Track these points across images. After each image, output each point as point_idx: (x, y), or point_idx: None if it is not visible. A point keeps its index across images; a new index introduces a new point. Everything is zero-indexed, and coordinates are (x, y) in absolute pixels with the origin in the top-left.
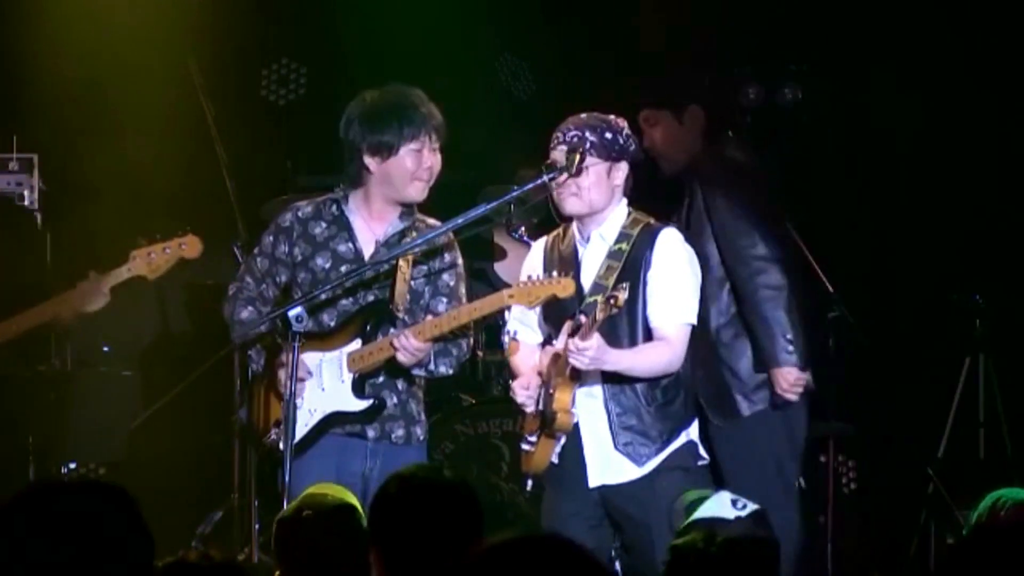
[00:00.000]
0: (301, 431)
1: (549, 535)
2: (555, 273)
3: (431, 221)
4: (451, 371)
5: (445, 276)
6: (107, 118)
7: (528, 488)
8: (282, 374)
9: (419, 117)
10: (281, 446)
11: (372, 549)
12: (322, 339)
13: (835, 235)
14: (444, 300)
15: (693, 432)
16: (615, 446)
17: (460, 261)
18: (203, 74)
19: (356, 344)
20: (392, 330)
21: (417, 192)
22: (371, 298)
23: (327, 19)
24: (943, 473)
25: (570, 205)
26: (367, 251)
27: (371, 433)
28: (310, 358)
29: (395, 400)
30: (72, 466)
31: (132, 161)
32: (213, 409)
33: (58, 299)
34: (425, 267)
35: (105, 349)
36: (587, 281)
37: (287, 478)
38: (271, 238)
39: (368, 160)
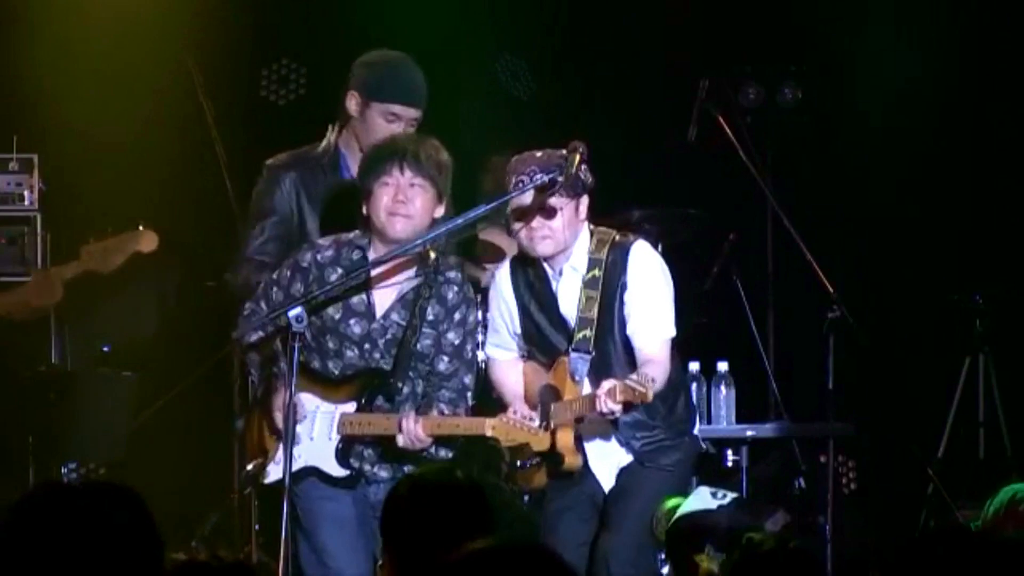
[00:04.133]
0: (279, 472)
1: (527, 544)
2: (533, 416)
3: (451, 274)
4: (451, 454)
5: (451, 335)
6: (107, 118)
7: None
8: (278, 415)
9: (380, 153)
10: (262, 478)
11: (383, 549)
12: (324, 386)
13: (835, 235)
14: (445, 359)
15: (695, 427)
16: (634, 458)
17: (472, 318)
18: (203, 74)
19: (350, 406)
20: (380, 402)
21: (399, 229)
22: (377, 355)
23: (327, 19)
24: (943, 473)
25: (543, 248)
26: (380, 305)
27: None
28: (308, 401)
29: (385, 472)
30: (72, 466)
31: (132, 161)
32: (213, 409)
33: (10, 293)
34: (435, 322)
35: (105, 349)
36: (570, 315)
37: (287, 479)
38: (288, 273)
39: (364, 205)
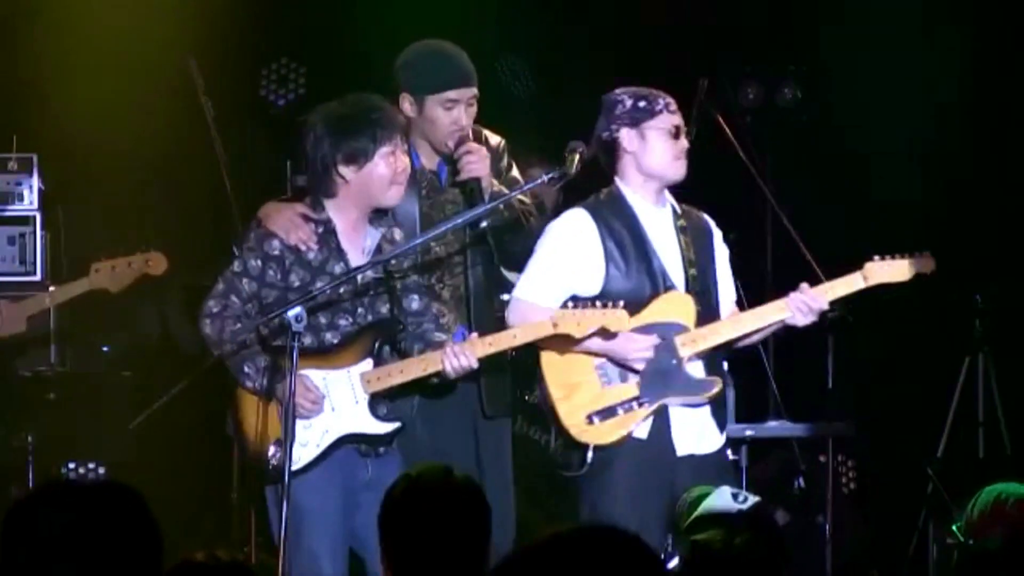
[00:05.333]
0: (312, 452)
1: (609, 528)
2: (609, 305)
3: (392, 223)
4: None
5: (413, 273)
6: (107, 118)
7: (588, 462)
8: (281, 391)
9: (387, 120)
10: (292, 467)
11: (381, 550)
12: (324, 356)
13: (835, 235)
14: (416, 298)
15: None
16: (711, 413)
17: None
18: (203, 74)
19: (367, 364)
20: (387, 353)
21: (395, 197)
22: (370, 316)
23: (327, 19)
24: (942, 473)
25: (682, 170)
26: (354, 266)
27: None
28: (312, 376)
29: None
30: (71, 466)
31: (131, 161)
32: (212, 409)
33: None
34: (394, 267)
35: (105, 349)
36: (669, 254)
37: (288, 475)
38: (258, 262)
39: (343, 170)
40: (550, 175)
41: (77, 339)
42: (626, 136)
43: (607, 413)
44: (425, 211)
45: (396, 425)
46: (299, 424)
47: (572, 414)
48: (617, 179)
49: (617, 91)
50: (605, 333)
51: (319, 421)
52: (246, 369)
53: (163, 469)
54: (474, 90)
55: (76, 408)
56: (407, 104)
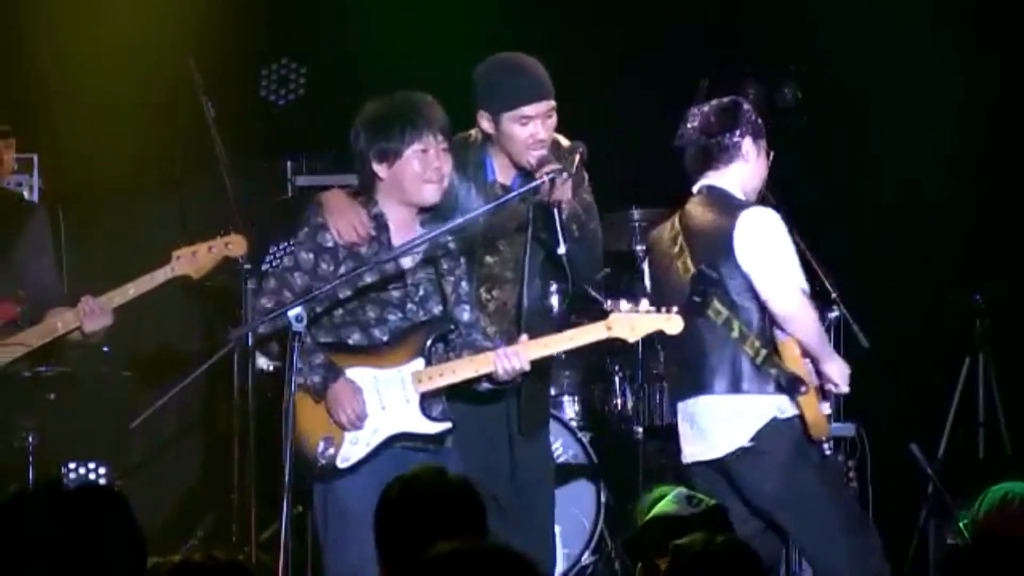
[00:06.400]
0: (362, 451)
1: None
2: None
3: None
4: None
5: (464, 283)
6: (106, 118)
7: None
8: (337, 401)
9: (421, 119)
10: (339, 463)
11: (377, 552)
12: (375, 354)
13: (835, 235)
14: (467, 308)
15: None
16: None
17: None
18: (203, 74)
19: (418, 363)
20: (439, 351)
21: (430, 194)
22: (421, 314)
23: (327, 19)
24: (943, 473)
25: None
26: (407, 266)
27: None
28: (361, 374)
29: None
30: (72, 466)
31: (131, 161)
32: (212, 409)
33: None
34: (449, 270)
35: (105, 349)
36: None
37: (288, 475)
38: (310, 256)
39: (377, 167)
40: (551, 176)
41: (77, 339)
42: (748, 145)
43: None
44: (486, 226)
45: (447, 425)
46: None
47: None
48: (730, 184)
49: (739, 98)
50: (661, 336)
51: (370, 419)
52: (299, 365)
53: (163, 469)
54: (550, 102)
55: (76, 408)
56: (484, 121)
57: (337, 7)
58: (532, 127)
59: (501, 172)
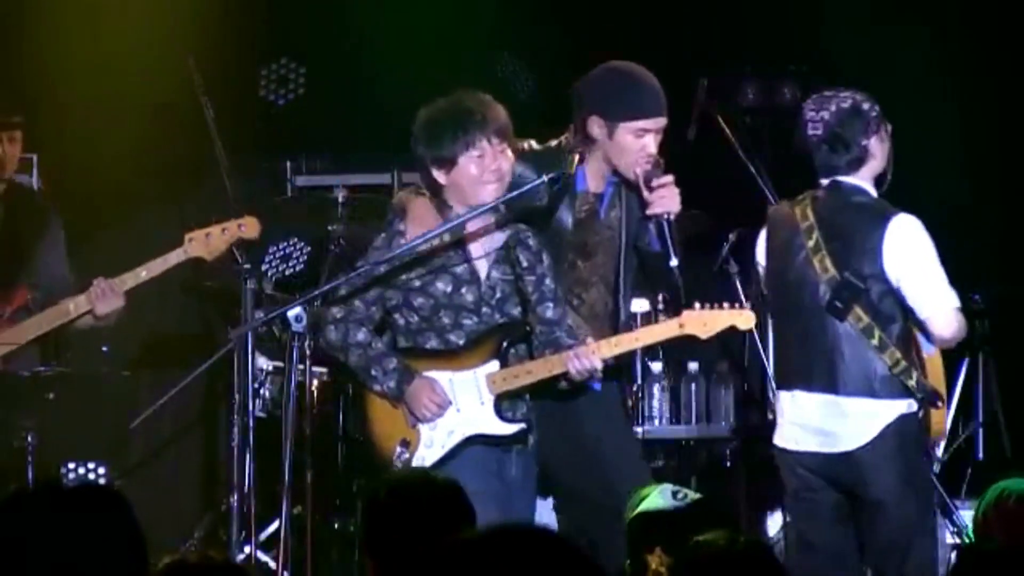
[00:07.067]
0: (437, 453)
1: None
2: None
3: (521, 224)
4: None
5: (548, 280)
6: (105, 118)
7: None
8: (417, 402)
9: (473, 124)
10: (416, 464)
11: (367, 556)
12: (450, 357)
13: None
14: (551, 306)
15: None
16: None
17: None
18: (202, 74)
19: (493, 365)
20: (514, 352)
21: (490, 195)
22: (497, 316)
23: (326, 19)
24: (943, 473)
25: None
26: (482, 269)
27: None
28: (437, 377)
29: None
30: (71, 466)
31: (130, 161)
32: (212, 409)
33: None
34: (529, 268)
35: (104, 349)
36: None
37: (287, 475)
38: (383, 264)
39: (435, 173)
40: (550, 176)
41: (77, 339)
42: (875, 144)
43: None
44: (579, 232)
45: (522, 426)
46: (425, 425)
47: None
48: (862, 180)
49: (859, 95)
50: (735, 332)
51: (444, 421)
52: (373, 372)
53: (162, 469)
54: (666, 119)
55: (76, 408)
56: (596, 127)
57: (336, 7)
58: (646, 140)
59: (593, 181)
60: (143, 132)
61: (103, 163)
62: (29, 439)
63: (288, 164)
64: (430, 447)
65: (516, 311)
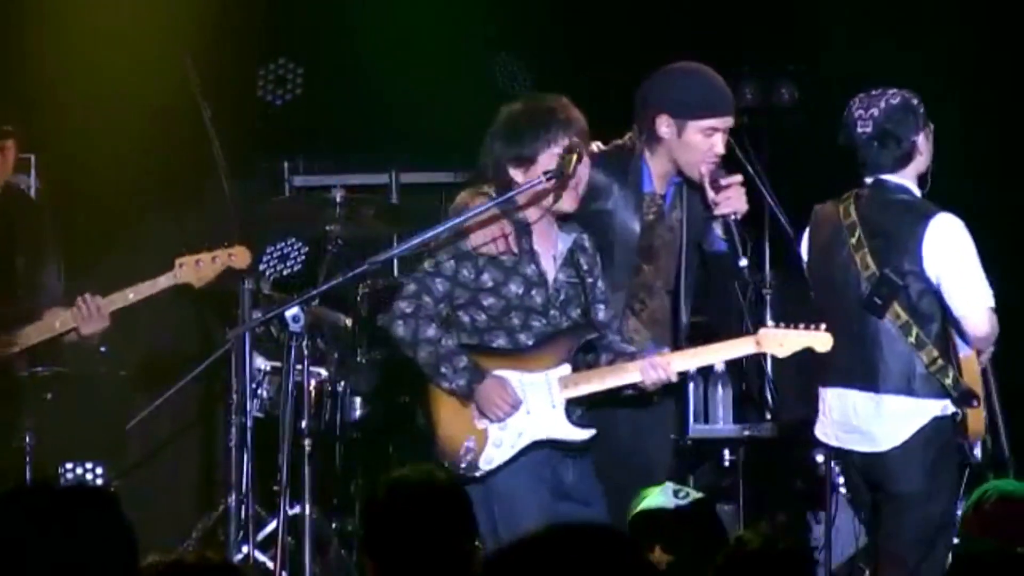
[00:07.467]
0: (506, 453)
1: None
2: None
3: (582, 230)
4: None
5: (600, 283)
6: (104, 119)
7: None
8: (488, 400)
9: (556, 123)
10: (481, 465)
11: (366, 556)
12: (520, 358)
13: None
14: (602, 308)
15: None
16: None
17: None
18: (200, 74)
19: (564, 368)
20: (581, 358)
21: (569, 202)
22: (563, 320)
23: (324, 19)
24: None
25: None
26: (549, 271)
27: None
28: (508, 377)
29: None
30: (68, 466)
31: (129, 161)
32: (210, 409)
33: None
34: (588, 271)
35: (102, 349)
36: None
37: (285, 475)
38: (452, 262)
39: (513, 172)
40: (548, 175)
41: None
42: (922, 140)
43: None
44: (647, 235)
45: (592, 432)
46: (494, 424)
47: None
48: (907, 179)
49: (907, 91)
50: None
51: (514, 422)
52: (443, 369)
53: (160, 469)
54: (733, 119)
55: (74, 408)
56: (664, 126)
57: (334, 7)
58: (715, 140)
59: (657, 182)
60: (142, 132)
61: (101, 162)
62: (27, 439)
63: (286, 164)
64: (499, 447)
65: (577, 314)
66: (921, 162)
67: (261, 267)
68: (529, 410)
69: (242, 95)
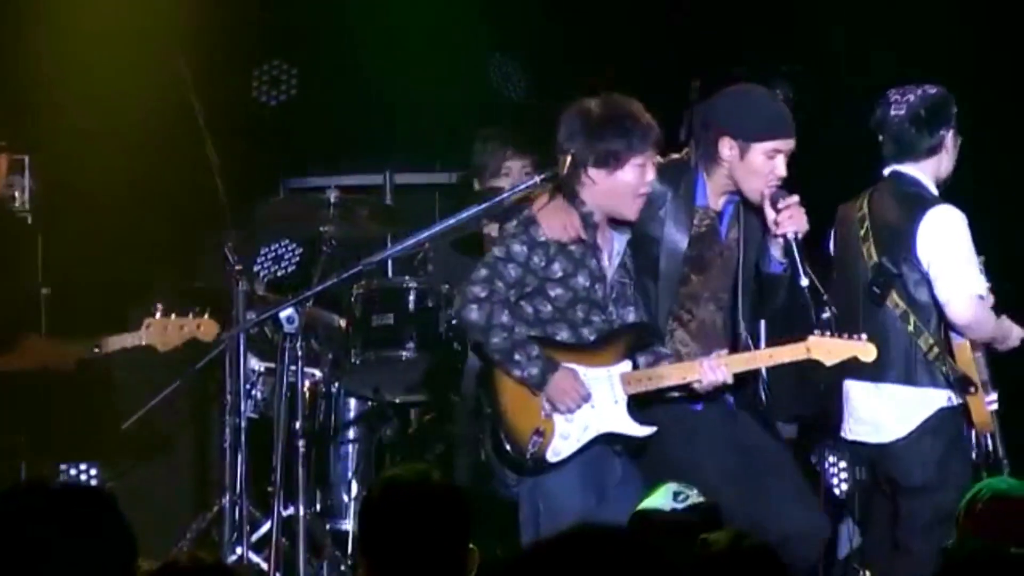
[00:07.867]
0: (573, 446)
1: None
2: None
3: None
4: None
5: (631, 287)
6: (98, 119)
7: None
8: (563, 385)
9: (641, 127)
10: (549, 456)
11: (360, 556)
12: (583, 352)
13: (829, 235)
14: (631, 310)
15: None
16: None
17: None
18: (194, 75)
19: (626, 365)
20: (642, 356)
21: (635, 210)
22: (616, 316)
23: (318, 20)
24: None
25: None
26: (608, 269)
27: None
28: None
29: None
30: (64, 467)
31: (123, 162)
32: (204, 410)
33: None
34: (630, 275)
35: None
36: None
37: (279, 476)
38: (524, 248)
39: (593, 171)
40: (543, 176)
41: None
42: (949, 138)
43: None
44: (695, 245)
45: (654, 428)
46: (561, 416)
47: None
48: (923, 173)
49: (944, 89)
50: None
51: (580, 416)
52: (516, 357)
53: (156, 469)
54: (794, 141)
55: (69, 409)
56: (726, 148)
57: (328, 8)
58: (776, 161)
59: (713, 198)
60: (136, 132)
61: (96, 163)
62: (22, 439)
63: (280, 165)
64: (566, 439)
65: (623, 311)
66: (944, 161)
67: (255, 268)
68: (593, 404)
69: (236, 96)
